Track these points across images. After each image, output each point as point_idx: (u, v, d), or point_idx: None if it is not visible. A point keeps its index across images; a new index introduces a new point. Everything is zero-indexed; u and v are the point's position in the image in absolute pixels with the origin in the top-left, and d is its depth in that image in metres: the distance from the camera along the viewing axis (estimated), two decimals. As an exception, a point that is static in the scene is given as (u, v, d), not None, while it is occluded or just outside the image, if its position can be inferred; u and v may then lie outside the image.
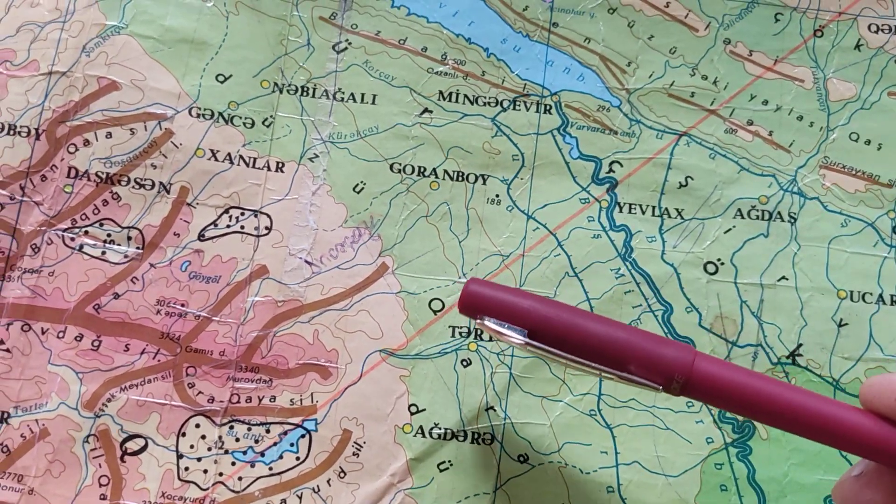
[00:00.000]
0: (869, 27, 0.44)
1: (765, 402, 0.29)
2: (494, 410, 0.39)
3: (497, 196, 0.41)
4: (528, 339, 0.30)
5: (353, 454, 0.38)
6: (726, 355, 0.39)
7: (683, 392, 0.30)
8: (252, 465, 0.38)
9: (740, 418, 0.39)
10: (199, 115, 0.41)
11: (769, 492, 0.38)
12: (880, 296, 0.40)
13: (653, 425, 0.39)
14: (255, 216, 0.41)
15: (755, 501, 0.38)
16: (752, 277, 0.40)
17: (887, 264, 0.40)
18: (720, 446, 0.38)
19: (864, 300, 0.40)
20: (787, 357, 0.39)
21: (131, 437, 0.38)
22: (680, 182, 0.41)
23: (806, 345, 0.40)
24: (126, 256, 0.40)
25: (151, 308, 0.39)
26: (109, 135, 0.41)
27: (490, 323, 0.31)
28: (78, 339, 0.39)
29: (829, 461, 0.38)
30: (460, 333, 0.40)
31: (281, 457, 0.38)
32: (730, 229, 0.41)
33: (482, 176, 0.42)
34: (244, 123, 0.42)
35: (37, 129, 0.41)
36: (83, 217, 0.40)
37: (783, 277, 0.40)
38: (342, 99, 0.42)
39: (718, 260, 0.40)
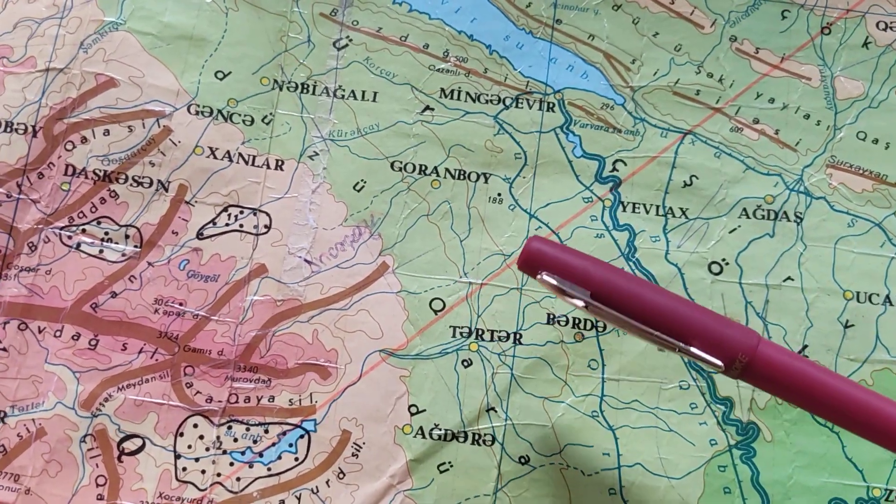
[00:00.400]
0: (877, 24, 0.43)
1: (824, 394, 0.28)
2: (495, 411, 0.38)
3: (499, 195, 0.41)
4: (590, 300, 0.29)
5: (353, 455, 0.38)
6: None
7: (744, 375, 0.29)
8: (250, 466, 0.38)
9: (745, 420, 0.38)
10: (197, 113, 0.41)
11: (773, 494, 0.37)
12: (887, 297, 0.40)
13: (656, 427, 0.38)
14: (255, 214, 0.40)
15: (759, 505, 0.37)
16: (758, 278, 0.40)
17: (894, 265, 0.40)
18: (724, 448, 0.38)
19: (870, 301, 0.40)
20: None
21: (129, 436, 0.38)
22: (684, 181, 0.41)
23: (811, 346, 0.39)
24: (124, 255, 0.39)
25: (149, 307, 0.39)
26: (107, 132, 0.40)
27: (549, 278, 0.30)
28: (75, 338, 0.39)
29: (834, 464, 0.38)
30: (461, 333, 0.39)
31: (279, 457, 0.38)
32: (735, 229, 0.40)
33: (484, 174, 0.41)
34: (243, 121, 0.41)
35: (34, 127, 0.40)
36: (80, 215, 0.40)
37: (789, 278, 0.40)
38: (343, 96, 0.42)
39: (723, 260, 0.40)
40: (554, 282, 0.30)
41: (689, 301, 0.30)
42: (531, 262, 0.31)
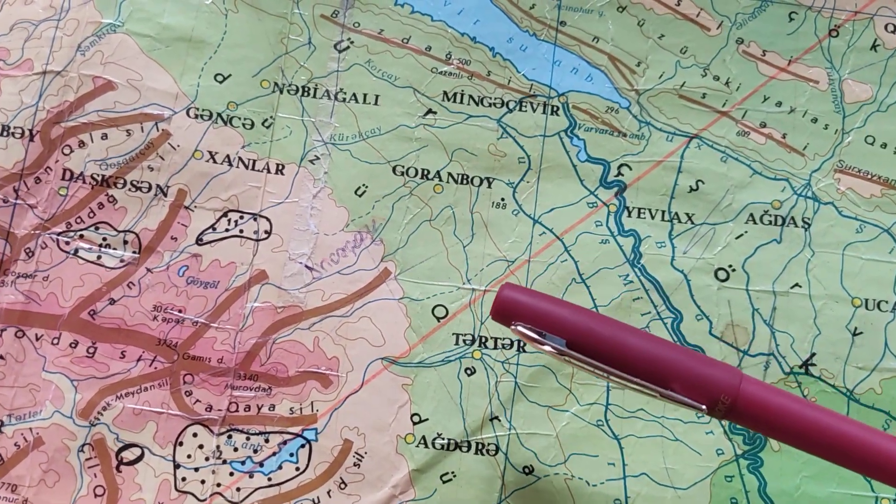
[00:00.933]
0: (886, 27, 0.42)
1: (812, 430, 0.28)
2: (499, 420, 0.38)
3: (502, 200, 0.40)
4: (565, 349, 0.29)
5: (354, 465, 0.37)
6: (737, 365, 0.38)
7: (728, 416, 0.29)
8: (250, 476, 0.37)
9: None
10: (197, 116, 0.40)
11: (781, 505, 0.37)
12: (896, 304, 0.39)
13: (662, 436, 0.38)
14: (255, 220, 0.40)
15: (766, 515, 0.37)
16: (765, 284, 0.39)
17: (903, 271, 0.39)
18: (731, 458, 0.38)
19: (879, 308, 0.39)
20: (800, 367, 0.38)
21: (127, 446, 0.37)
22: (690, 186, 0.40)
23: (819, 354, 0.39)
24: (122, 261, 0.39)
25: (148, 314, 0.38)
26: (105, 136, 0.40)
27: (526, 330, 0.29)
28: (73, 345, 0.38)
29: (842, 474, 0.37)
30: (464, 341, 0.39)
31: (280, 467, 0.37)
32: (741, 235, 0.40)
33: (487, 179, 0.41)
34: (243, 124, 0.41)
35: (31, 130, 0.40)
36: (78, 220, 0.39)
37: (796, 284, 0.39)
38: (344, 99, 0.41)
39: (730, 266, 0.39)
40: (529, 333, 0.29)
41: (669, 343, 0.30)
42: (504, 311, 0.30)
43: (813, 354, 0.39)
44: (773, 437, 0.29)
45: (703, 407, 0.28)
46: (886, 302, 0.39)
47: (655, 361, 0.29)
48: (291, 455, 0.37)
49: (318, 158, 0.41)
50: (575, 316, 0.29)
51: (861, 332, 0.39)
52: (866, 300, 0.39)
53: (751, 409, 0.28)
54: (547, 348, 0.29)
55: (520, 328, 0.29)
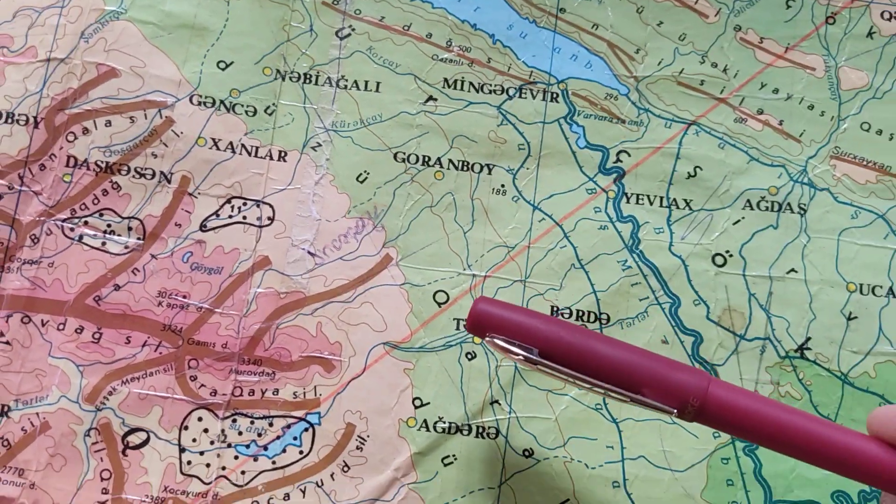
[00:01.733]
0: (882, 14, 0.43)
1: (779, 431, 0.29)
2: (499, 404, 0.38)
3: (503, 186, 0.41)
4: (538, 358, 0.30)
5: (357, 448, 0.38)
6: (734, 349, 0.39)
7: (697, 418, 0.29)
8: (255, 459, 0.38)
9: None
10: (200, 103, 0.41)
11: (776, 487, 0.38)
12: (890, 289, 0.40)
13: (659, 420, 0.38)
14: (258, 206, 0.40)
15: (762, 496, 0.38)
16: (761, 270, 0.40)
17: (898, 257, 0.40)
18: (727, 441, 0.38)
19: (873, 293, 0.40)
20: (796, 351, 0.39)
21: (133, 430, 0.38)
22: (688, 172, 0.41)
23: (814, 338, 0.39)
24: (126, 247, 0.39)
25: (153, 300, 0.39)
26: (109, 123, 0.40)
27: (499, 341, 0.30)
28: (78, 331, 0.38)
29: (836, 456, 0.38)
30: (465, 326, 0.39)
31: (284, 450, 0.38)
32: (739, 221, 0.40)
33: (487, 166, 0.41)
34: (246, 111, 0.41)
35: (35, 118, 0.40)
36: (83, 207, 0.39)
37: (792, 270, 0.40)
38: (345, 86, 0.41)
39: (727, 252, 0.40)
40: (502, 344, 0.30)
41: (638, 349, 0.30)
42: (479, 324, 0.31)
43: (808, 339, 0.39)
44: (742, 437, 0.30)
45: (674, 410, 0.29)
46: (881, 287, 0.40)
47: (625, 367, 0.30)
48: (295, 438, 0.38)
49: (320, 145, 0.41)
50: (547, 326, 0.31)
51: (856, 317, 0.39)
52: (861, 285, 0.40)
53: (719, 411, 0.29)
54: (520, 358, 0.30)
55: (495, 340, 0.30)
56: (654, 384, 0.29)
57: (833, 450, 0.28)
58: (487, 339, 0.31)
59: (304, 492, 0.37)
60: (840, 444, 0.28)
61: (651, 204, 0.41)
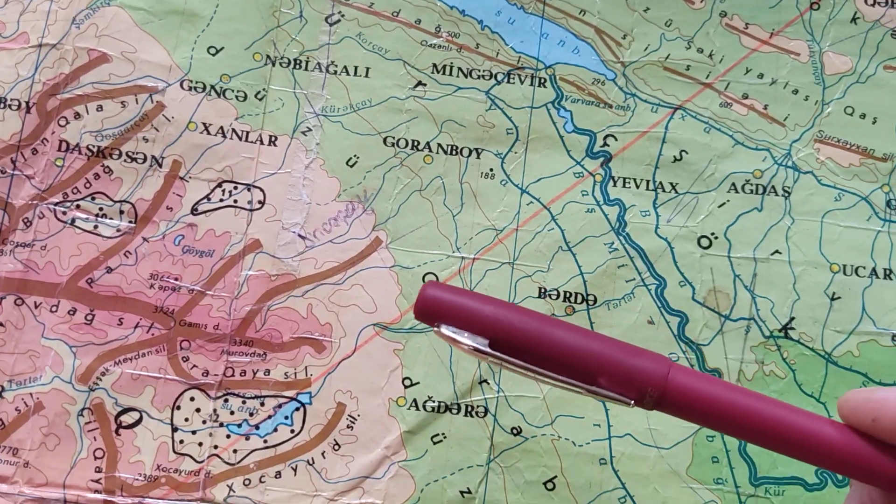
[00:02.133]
0: (866, 0, 0.43)
1: (743, 420, 0.27)
2: (488, 383, 0.39)
3: (491, 170, 0.41)
4: (487, 349, 0.27)
5: (348, 427, 0.38)
6: (719, 329, 0.39)
7: (657, 407, 0.27)
8: (247, 438, 0.38)
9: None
10: (190, 88, 0.41)
11: (760, 463, 0.38)
12: (873, 269, 0.40)
13: (645, 398, 0.39)
14: (249, 190, 0.40)
15: (746, 473, 0.38)
16: (746, 251, 0.40)
17: (881, 238, 0.40)
18: (712, 419, 0.39)
19: (857, 274, 0.40)
20: (780, 330, 0.39)
21: (126, 410, 0.38)
22: (674, 156, 0.41)
23: (798, 318, 0.40)
24: (118, 230, 0.40)
25: (145, 282, 0.39)
26: (100, 108, 0.41)
27: (447, 331, 0.27)
28: (71, 312, 0.39)
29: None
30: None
31: (275, 429, 0.38)
32: (724, 203, 0.41)
33: (476, 150, 0.41)
34: (236, 96, 0.41)
35: (27, 103, 0.40)
36: (75, 191, 0.40)
37: (776, 251, 0.40)
38: (335, 72, 0.42)
39: (712, 234, 0.40)
40: (449, 334, 0.27)
41: (595, 334, 0.28)
42: (427, 311, 0.28)
43: (792, 318, 0.40)
44: (706, 425, 0.28)
45: (631, 401, 0.27)
46: (864, 268, 0.40)
47: (580, 355, 0.27)
48: (286, 418, 0.38)
49: (310, 130, 0.41)
50: (496, 312, 0.28)
51: (839, 297, 0.40)
52: (844, 266, 0.40)
53: (680, 399, 0.27)
54: (467, 348, 0.27)
55: (443, 330, 0.28)
56: (610, 373, 0.27)
57: (800, 438, 0.26)
58: (435, 329, 0.28)
59: (295, 470, 0.38)
60: (808, 433, 0.26)
61: (637, 187, 0.41)
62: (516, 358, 0.27)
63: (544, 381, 0.28)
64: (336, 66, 0.42)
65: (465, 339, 0.27)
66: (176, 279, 0.39)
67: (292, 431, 0.38)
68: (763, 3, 0.43)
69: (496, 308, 0.28)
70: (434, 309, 0.28)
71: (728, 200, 0.41)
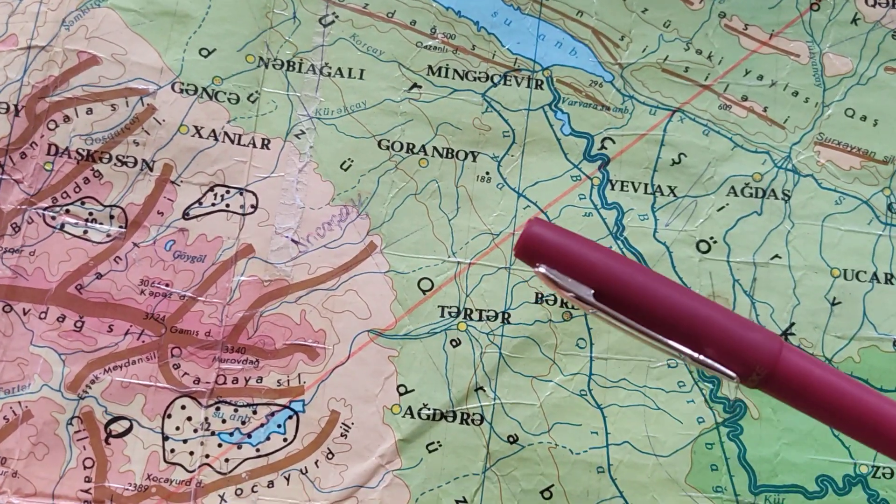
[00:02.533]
0: (866, 1, 0.43)
1: (853, 411, 0.25)
2: (484, 391, 0.38)
3: (487, 173, 0.41)
4: (591, 299, 0.26)
5: (341, 435, 0.38)
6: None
7: (761, 386, 0.26)
8: (239, 447, 0.38)
9: (732, 397, 0.38)
10: (182, 91, 0.41)
11: (760, 472, 0.38)
12: (874, 274, 0.40)
13: (643, 405, 0.38)
14: (241, 194, 0.40)
15: (746, 481, 0.38)
16: (745, 256, 0.40)
17: (882, 242, 0.40)
18: (711, 426, 0.38)
19: (857, 278, 0.40)
20: (780, 336, 0.39)
21: (116, 418, 0.38)
22: (673, 159, 0.41)
23: (799, 323, 0.39)
24: (108, 235, 0.39)
25: (135, 288, 0.39)
26: (90, 111, 0.40)
27: (548, 273, 0.26)
28: (60, 319, 0.38)
29: (821, 441, 0.38)
30: (449, 313, 0.39)
31: (268, 438, 0.38)
32: (723, 207, 0.40)
33: (472, 153, 0.41)
34: (229, 99, 0.41)
35: (16, 105, 0.40)
36: (64, 195, 0.39)
37: (776, 256, 0.40)
38: (329, 74, 0.41)
39: (711, 238, 0.40)
40: (553, 277, 0.26)
41: (706, 300, 0.27)
42: (529, 249, 0.27)
43: (792, 324, 0.39)
44: (810, 413, 0.26)
45: (734, 376, 0.25)
46: (865, 272, 0.40)
47: (690, 319, 0.26)
48: (279, 426, 0.38)
49: (303, 133, 0.41)
50: (606, 261, 0.26)
51: (840, 302, 0.39)
52: (845, 271, 0.40)
53: (788, 382, 0.25)
54: (571, 296, 0.26)
55: (543, 271, 0.26)
56: (719, 343, 0.25)
57: None
58: (536, 269, 0.26)
59: (288, 479, 0.37)
60: None
61: (635, 191, 0.41)
62: (621, 313, 0.26)
63: (647, 342, 0.26)
64: (330, 67, 0.41)
65: (569, 285, 0.26)
66: (167, 285, 0.39)
67: (285, 440, 0.38)
68: (763, 3, 0.43)
69: (604, 256, 0.26)
70: (537, 248, 0.27)
71: (727, 204, 0.40)
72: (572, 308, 0.39)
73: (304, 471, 0.37)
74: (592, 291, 0.26)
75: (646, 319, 0.26)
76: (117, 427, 0.38)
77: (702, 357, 0.26)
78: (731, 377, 0.25)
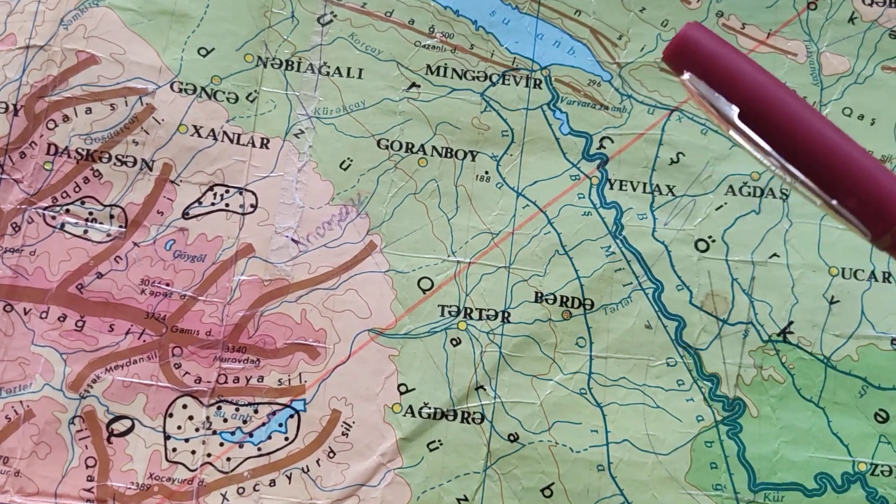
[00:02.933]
0: (863, 0, 0.43)
1: None
2: (484, 389, 0.39)
3: (486, 173, 0.41)
4: (736, 119, 0.23)
5: (343, 434, 0.38)
6: (717, 333, 0.39)
7: (892, 250, 0.23)
8: (240, 446, 0.38)
9: (731, 396, 0.38)
10: (181, 90, 0.41)
11: (759, 469, 0.38)
12: (872, 273, 0.40)
13: (643, 404, 0.38)
14: (241, 194, 0.40)
15: (745, 479, 0.38)
16: (744, 255, 0.40)
17: (879, 241, 0.40)
18: (710, 424, 0.38)
19: (855, 277, 0.40)
20: (778, 335, 0.39)
21: (118, 418, 0.38)
22: (671, 158, 0.41)
23: (797, 322, 0.39)
24: (109, 235, 0.39)
25: (136, 287, 0.39)
26: (89, 110, 0.40)
27: (695, 83, 0.24)
28: (61, 319, 0.38)
29: (819, 438, 0.38)
30: (450, 312, 0.39)
31: (269, 437, 0.38)
32: (721, 206, 0.40)
33: (471, 152, 0.41)
34: (227, 98, 0.41)
35: (15, 105, 0.40)
36: (64, 195, 0.39)
37: (774, 255, 0.40)
38: (328, 73, 0.41)
39: (709, 237, 0.40)
40: (700, 89, 0.23)
41: (861, 148, 0.24)
42: (680, 53, 0.24)
43: (791, 323, 0.39)
44: None
45: (868, 233, 0.23)
46: (863, 271, 0.40)
47: (839, 160, 0.23)
48: (280, 425, 0.38)
49: (302, 132, 0.41)
50: (757, 77, 0.24)
51: (838, 301, 0.40)
52: (843, 269, 0.40)
53: None
54: (716, 113, 0.24)
55: (687, 80, 0.24)
56: (864, 192, 0.23)
57: None
58: (681, 78, 0.24)
59: (289, 478, 0.37)
60: None
61: (634, 190, 0.41)
62: (763, 139, 0.23)
63: (784, 176, 0.24)
64: (328, 67, 0.41)
65: (717, 101, 0.23)
66: (167, 284, 0.39)
67: (286, 439, 0.38)
68: (760, 3, 0.43)
69: (757, 72, 0.24)
70: (689, 53, 0.24)
71: (725, 203, 0.41)
72: (572, 307, 0.39)
73: (305, 469, 0.38)
74: (738, 111, 0.24)
75: (789, 152, 0.23)
76: (119, 426, 0.38)
77: (836, 204, 0.23)
78: (864, 234, 0.23)
